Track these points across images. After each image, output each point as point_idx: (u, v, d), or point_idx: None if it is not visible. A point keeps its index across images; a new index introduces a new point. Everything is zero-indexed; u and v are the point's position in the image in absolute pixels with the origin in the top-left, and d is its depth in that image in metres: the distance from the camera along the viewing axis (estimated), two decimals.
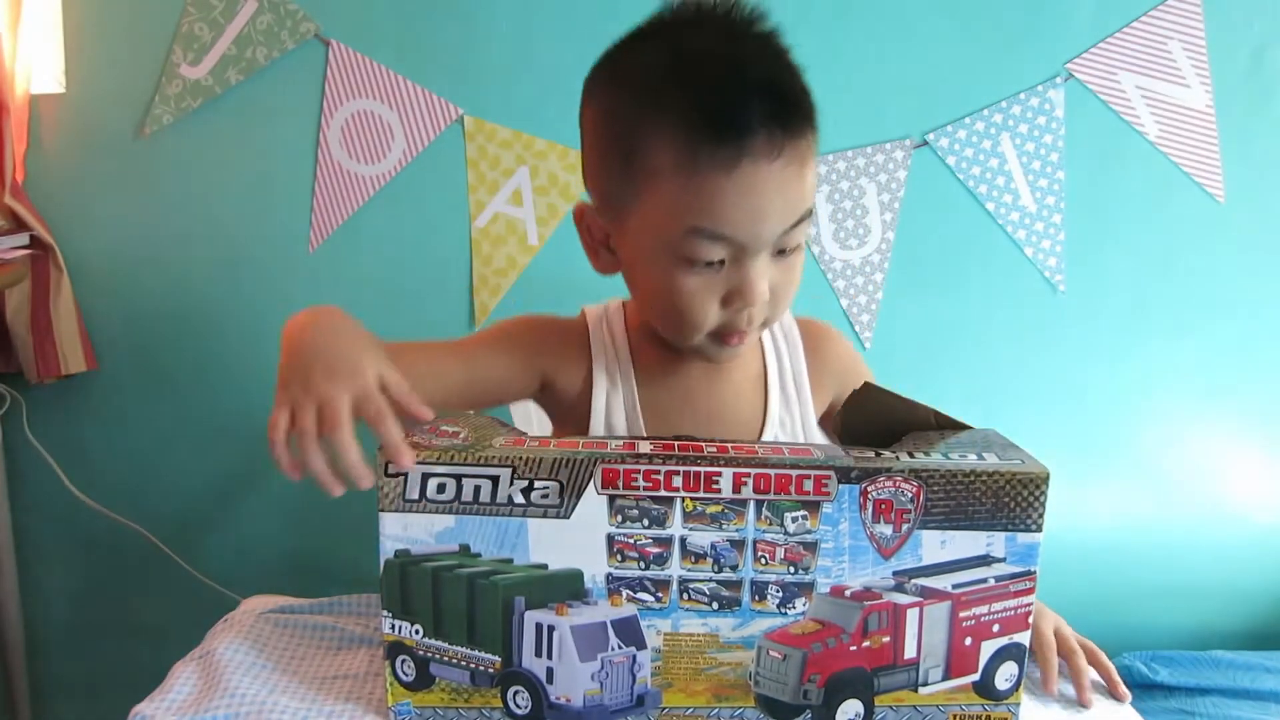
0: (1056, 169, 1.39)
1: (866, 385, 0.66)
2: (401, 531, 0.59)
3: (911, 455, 0.60)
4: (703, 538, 0.58)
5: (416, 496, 0.58)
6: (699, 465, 0.57)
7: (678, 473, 0.57)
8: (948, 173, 1.39)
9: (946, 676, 0.62)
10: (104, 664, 1.54)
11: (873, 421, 0.67)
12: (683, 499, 0.57)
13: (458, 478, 0.58)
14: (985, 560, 0.60)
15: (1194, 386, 1.47)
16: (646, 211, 0.69)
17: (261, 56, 1.34)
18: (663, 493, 0.57)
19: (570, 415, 0.84)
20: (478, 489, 0.58)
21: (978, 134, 1.38)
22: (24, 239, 1.33)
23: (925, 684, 0.62)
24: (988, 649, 0.62)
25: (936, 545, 0.59)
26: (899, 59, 1.37)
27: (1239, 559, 1.52)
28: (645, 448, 0.59)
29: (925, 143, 1.39)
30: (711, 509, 0.57)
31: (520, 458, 0.57)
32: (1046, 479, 0.60)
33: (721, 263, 0.68)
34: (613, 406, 0.81)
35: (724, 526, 0.58)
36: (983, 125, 1.38)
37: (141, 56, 1.34)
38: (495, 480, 0.57)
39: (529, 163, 1.38)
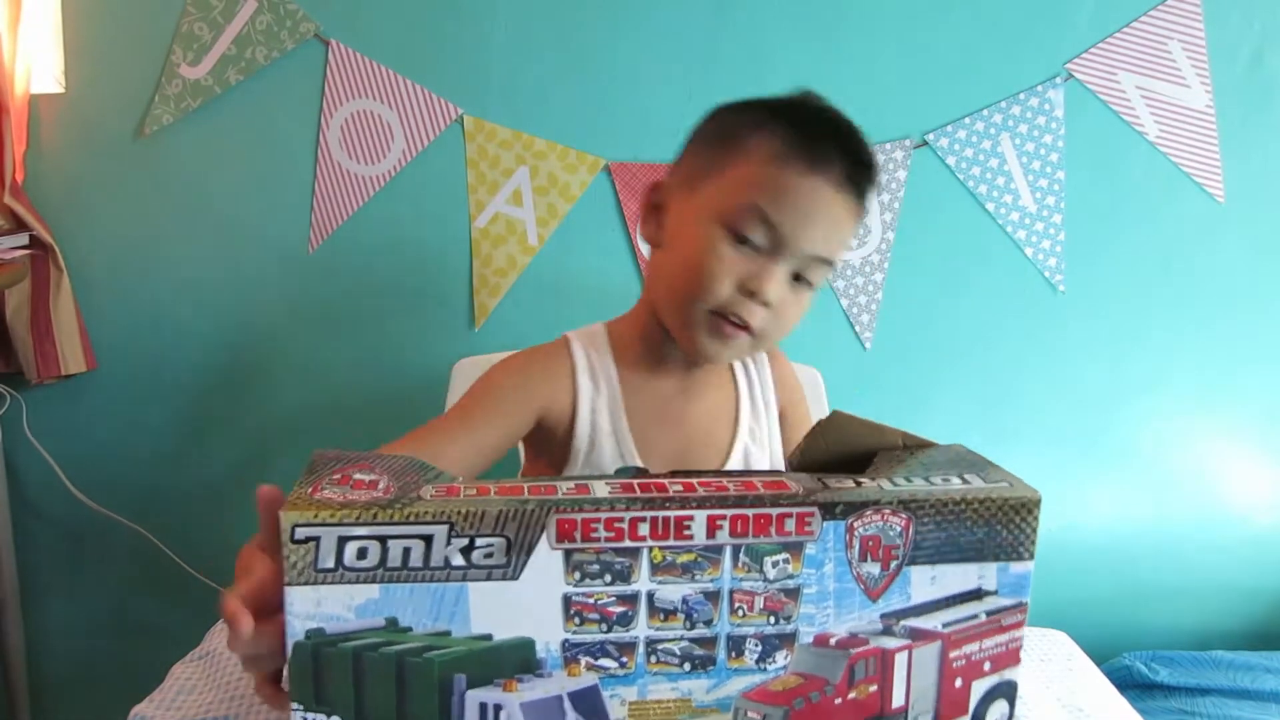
0: (1056, 169, 1.39)
1: (835, 414, 0.62)
2: (313, 608, 0.48)
3: (892, 482, 0.54)
4: (673, 591, 0.51)
5: (332, 565, 0.48)
6: (668, 509, 0.50)
7: (644, 519, 0.50)
8: (948, 173, 1.39)
9: (929, 718, 0.56)
10: (104, 664, 1.54)
11: (836, 449, 0.62)
12: (650, 549, 0.50)
13: (382, 539, 0.48)
14: (977, 594, 0.54)
15: (1194, 386, 1.47)
16: (722, 183, 0.79)
17: (261, 56, 1.34)
18: (627, 543, 0.50)
19: (553, 437, 0.87)
20: (407, 551, 0.48)
21: (978, 134, 1.38)
22: (24, 239, 1.33)
23: None
24: (978, 689, 0.56)
25: (926, 582, 0.53)
26: (899, 59, 1.37)
27: (1239, 559, 1.52)
28: (602, 490, 0.51)
29: (925, 143, 1.39)
30: (683, 558, 0.51)
31: (457, 511, 0.48)
32: (1038, 503, 0.53)
33: (755, 250, 0.77)
34: (598, 409, 0.86)
35: (697, 577, 0.51)
36: (983, 125, 1.38)
37: (141, 56, 1.34)
38: (428, 540, 0.48)
39: (529, 163, 1.38)
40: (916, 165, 1.39)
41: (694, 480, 0.54)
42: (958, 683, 0.56)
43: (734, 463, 0.89)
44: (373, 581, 0.48)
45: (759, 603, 0.52)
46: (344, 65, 1.35)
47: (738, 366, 0.94)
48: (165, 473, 1.47)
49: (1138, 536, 1.51)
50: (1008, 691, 0.57)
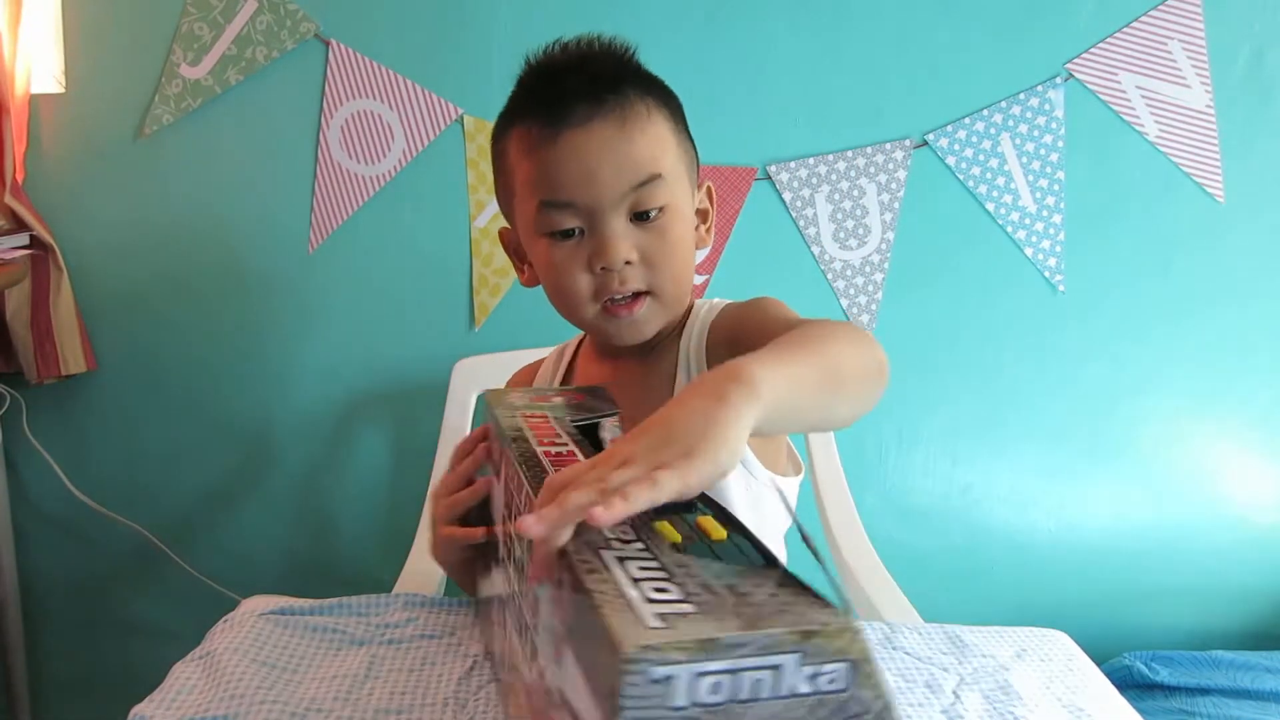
0: (1056, 169, 1.39)
1: None
2: None
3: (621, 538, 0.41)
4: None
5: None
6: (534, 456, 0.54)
7: None
8: (948, 173, 1.39)
9: None
10: (104, 664, 1.54)
11: None
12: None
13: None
14: None
15: (1193, 386, 1.47)
16: (518, 203, 0.78)
17: (261, 56, 1.34)
18: None
19: None
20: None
21: (978, 134, 1.38)
22: (24, 239, 1.33)
23: None
24: None
25: (575, 672, 0.38)
26: (899, 59, 1.37)
27: (1239, 559, 1.52)
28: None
29: (925, 143, 1.39)
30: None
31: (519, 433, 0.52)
32: (621, 656, 0.32)
33: (581, 232, 0.75)
34: None
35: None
36: (983, 125, 1.38)
37: (141, 56, 1.35)
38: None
39: None
40: (916, 165, 1.39)
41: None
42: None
43: None
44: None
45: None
46: (344, 65, 1.35)
47: (683, 341, 0.83)
48: (165, 473, 1.47)
49: (1138, 536, 1.51)
50: None
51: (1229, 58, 1.37)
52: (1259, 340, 1.46)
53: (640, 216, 0.75)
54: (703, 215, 0.85)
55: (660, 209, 0.75)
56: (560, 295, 0.78)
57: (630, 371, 0.85)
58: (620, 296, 0.76)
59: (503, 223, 0.88)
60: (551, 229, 0.75)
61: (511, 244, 0.86)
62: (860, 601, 1.05)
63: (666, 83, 0.81)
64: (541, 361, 0.96)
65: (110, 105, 1.36)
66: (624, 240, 0.74)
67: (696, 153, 0.84)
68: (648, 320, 0.79)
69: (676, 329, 0.85)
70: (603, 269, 0.75)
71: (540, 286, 0.84)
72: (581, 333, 0.93)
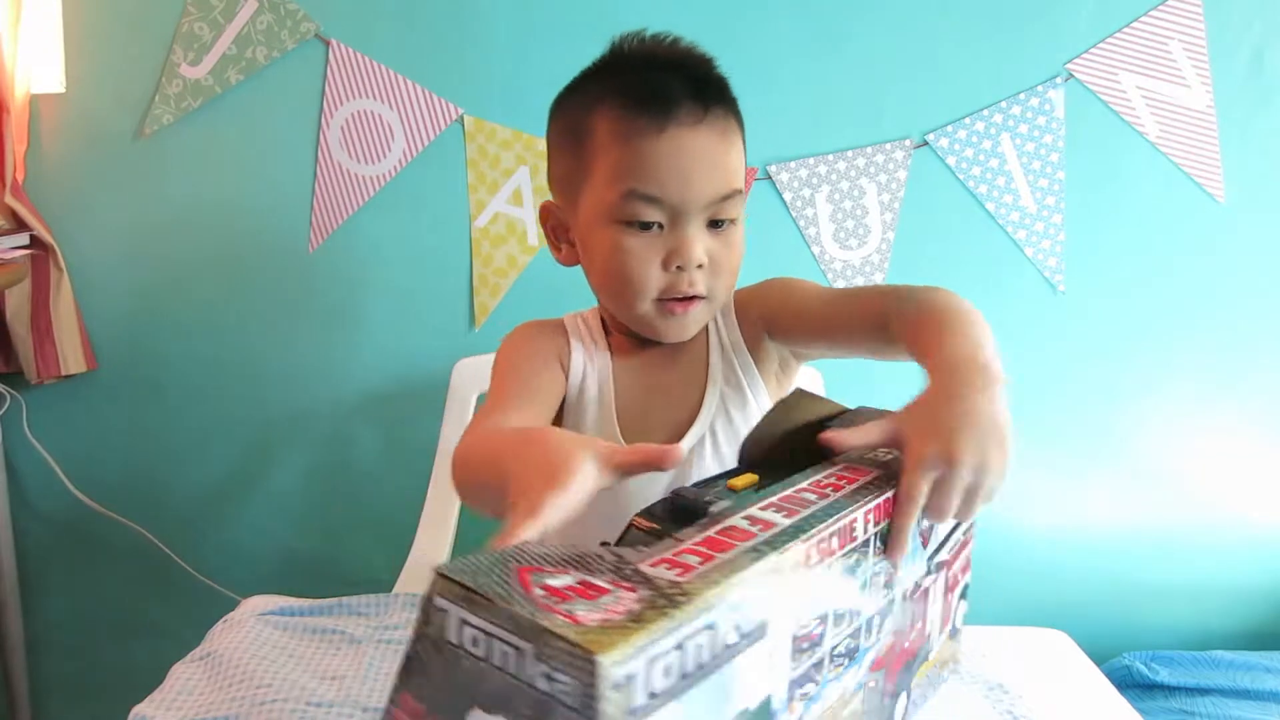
0: (1056, 169, 1.39)
1: (797, 391, 0.66)
2: None
3: None
4: (847, 597, 0.52)
5: (643, 699, 0.36)
6: (839, 519, 0.50)
7: (833, 533, 0.50)
8: (948, 173, 1.39)
9: (938, 635, 0.64)
10: (104, 664, 1.54)
11: (786, 427, 0.63)
12: (833, 562, 0.50)
13: (680, 645, 0.38)
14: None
15: (1193, 387, 1.47)
16: (594, 184, 0.78)
17: (261, 56, 1.34)
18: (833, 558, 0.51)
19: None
20: (699, 650, 0.39)
21: (978, 134, 1.38)
22: (24, 239, 1.33)
23: (931, 650, 0.63)
24: (954, 596, 0.66)
25: (946, 523, 0.60)
26: (899, 59, 1.37)
27: (1239, 559, 1.52)
28: (779, 519, 0.49)
29: (925, 143, 1.39)
30: (851, 560, 0.52)
31: (729, 585, 0.41)
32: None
33: (660, 226, 0.76)
34: (588, 374, 0.87)
35: (856, 574, 0.52)
36: (983, 125, 1.38)
37: (141, 56, 1.35)
38: (713, 627, 0.40)
39: (529, 162, 1.38)
40: (916, 165, 1.39)
41: (800, 491, 0.53)
42: (950, 597, 0.65)
43: (708, 407, 0.85)
44: (674, 698, 0.38)
45: (881, 580, 0.55)
46: (344, 65, 1.35)
47: (710, 324, 0.89)
48: (165, 473, 1.47)
49: (1138, 536, 1.51)
50: (965, 592, 0.67)
51: (1229, 58, 1.37)
52: (1259, 340, 1.46)
53: (714, 224, 0.78)
54: None
55: (732, 220, 0.79)
56: (622, 283, 0.79)
57: (667, 355, 0.87)
58: (681, 295, 0.78)
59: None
60: (631, 218, 0.76)
61: (554, 220, 0.86)
62: None
63: None
64: (556, 326, 0.90)
65: (110, 105, 1.36)
66: (701, 243, 0.77)
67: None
68: (696, 322, 0.82)
69: None
70: (678, 268, 0.77)
71: (573, 268, 0.85)
72: (587, 311, 0.92)
